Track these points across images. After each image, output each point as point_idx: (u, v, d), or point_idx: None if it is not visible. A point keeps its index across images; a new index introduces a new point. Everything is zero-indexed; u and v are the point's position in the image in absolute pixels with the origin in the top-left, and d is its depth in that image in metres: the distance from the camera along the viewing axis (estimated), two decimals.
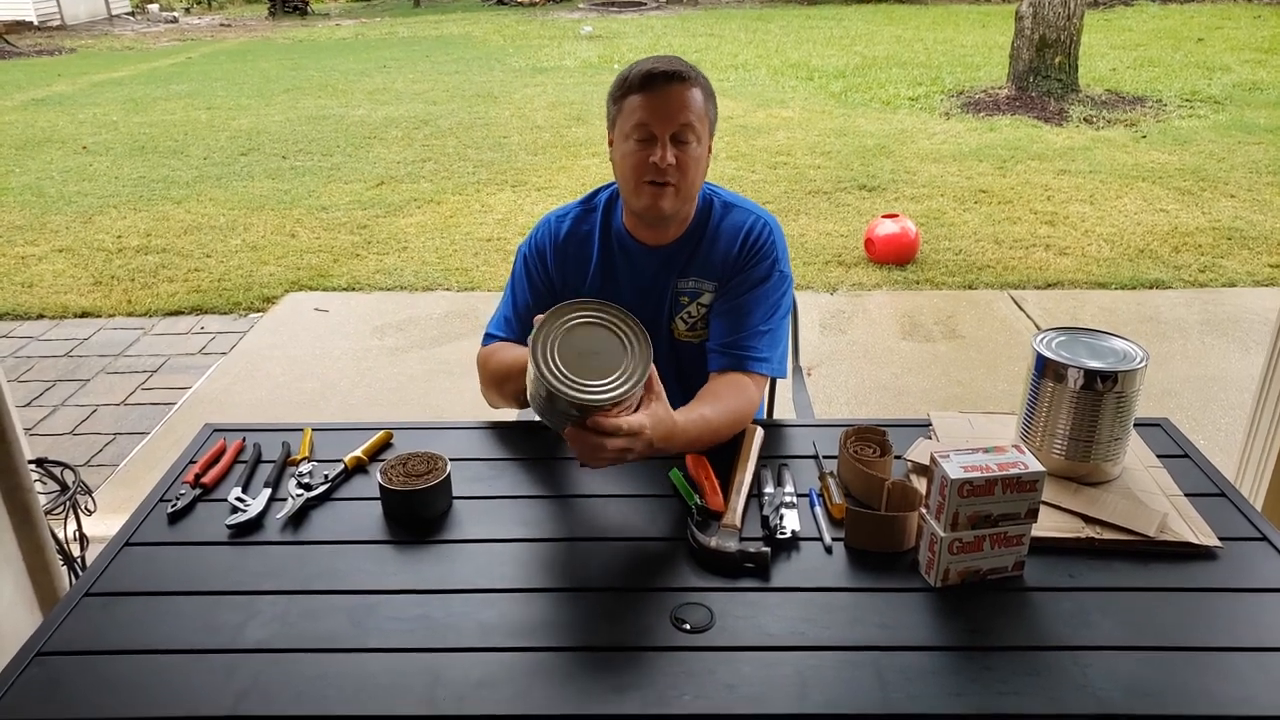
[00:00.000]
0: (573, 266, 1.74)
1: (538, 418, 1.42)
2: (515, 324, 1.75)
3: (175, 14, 21.34)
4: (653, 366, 1.33)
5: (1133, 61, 10.29)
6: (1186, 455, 1.52)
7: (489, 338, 1.77)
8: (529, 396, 1.37)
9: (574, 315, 1.32)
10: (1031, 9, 8.24)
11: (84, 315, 4.58)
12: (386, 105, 9.47)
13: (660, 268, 1.71)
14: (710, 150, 1.65)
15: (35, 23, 18.29)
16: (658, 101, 1.55)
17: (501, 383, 1.66)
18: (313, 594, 1.24)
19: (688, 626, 1.16)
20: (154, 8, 21.97)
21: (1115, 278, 4.65)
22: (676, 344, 1.74)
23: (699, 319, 1.72)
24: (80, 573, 2.21)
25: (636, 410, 1.34)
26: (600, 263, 1.73)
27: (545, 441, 1.62)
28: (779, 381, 2.26)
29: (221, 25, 19.11)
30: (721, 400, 1.56)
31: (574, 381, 1.27)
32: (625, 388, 1.28)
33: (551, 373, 1.27)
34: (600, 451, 1.30)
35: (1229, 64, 10.02)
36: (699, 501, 1.37)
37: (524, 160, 7.18)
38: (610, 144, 1.67)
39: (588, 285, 1.74)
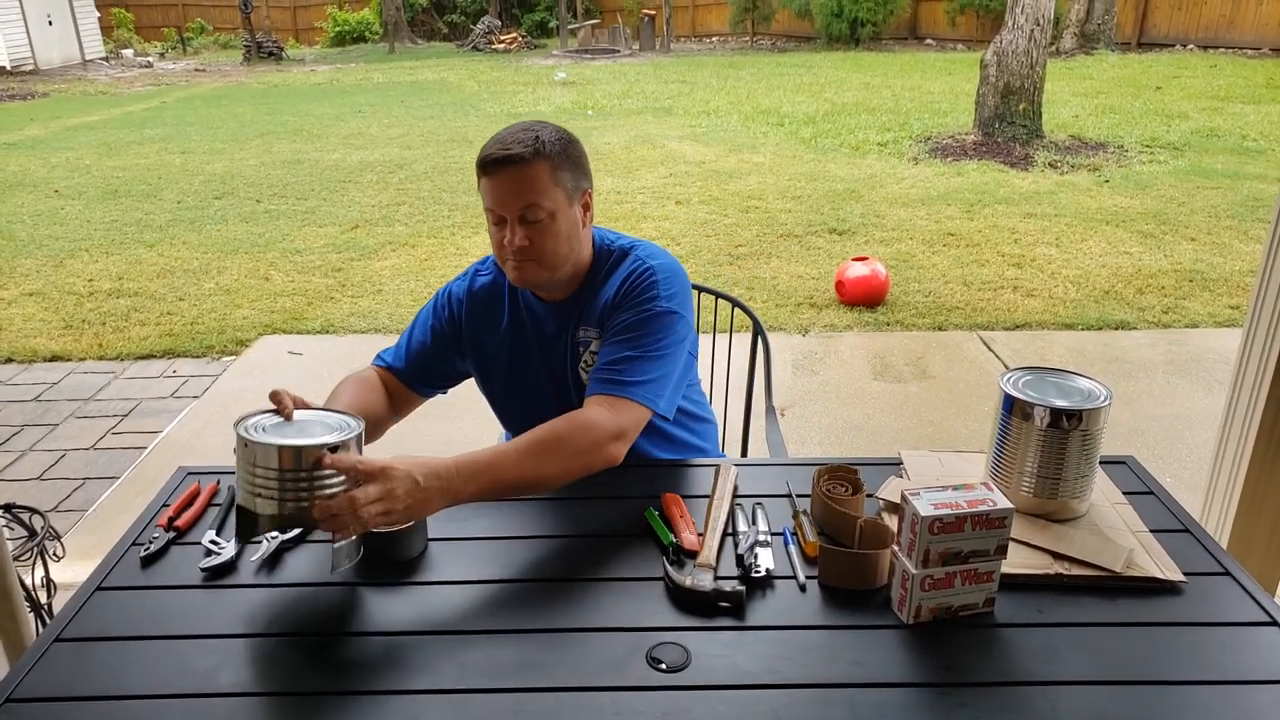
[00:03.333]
0: (482, 321, 1.76)
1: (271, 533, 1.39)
2: (404, 356, 1.78)
3: (150, 59, 21.38)
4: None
5: (1094, 109, 10.57)
6: (1151, 492, 1.55)
7: (378, 359, 1.80)
8: (244, 501, 1.25)
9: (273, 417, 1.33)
10: (996, 57, 8.46)
11: (54, 359, 4.53)
12: (361, 149, 9.51)
13: (560, 323, 1.71)
14: (586, 208, 1.63)
15: (8, 68, 18.25)
16: (497, 186, 1.55)
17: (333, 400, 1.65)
18: (287, 637, 1.24)
19: (664, 666, 1.16)
20: (128, 53, 22.02)
21: (1082, 319, 4.74)
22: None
23: (594, 366, 1.70)
24: (48, 620, 2.17)
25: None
26: (510, 320, 1.75)
27: None
28: (753, 422, 2.29)
29: (196, 70, 19.17)
30: (533, 435, 1.46)
31: (284, 439, 1.24)
32: (342, 433, 1.27)
33: (262, 438, 1.24)
34: (352, 506, 1.23)
35: (1187, 111, 10.30)
36: (674, 540, 1.38)
37: None
38: None
39: (498, 340, 1.75)
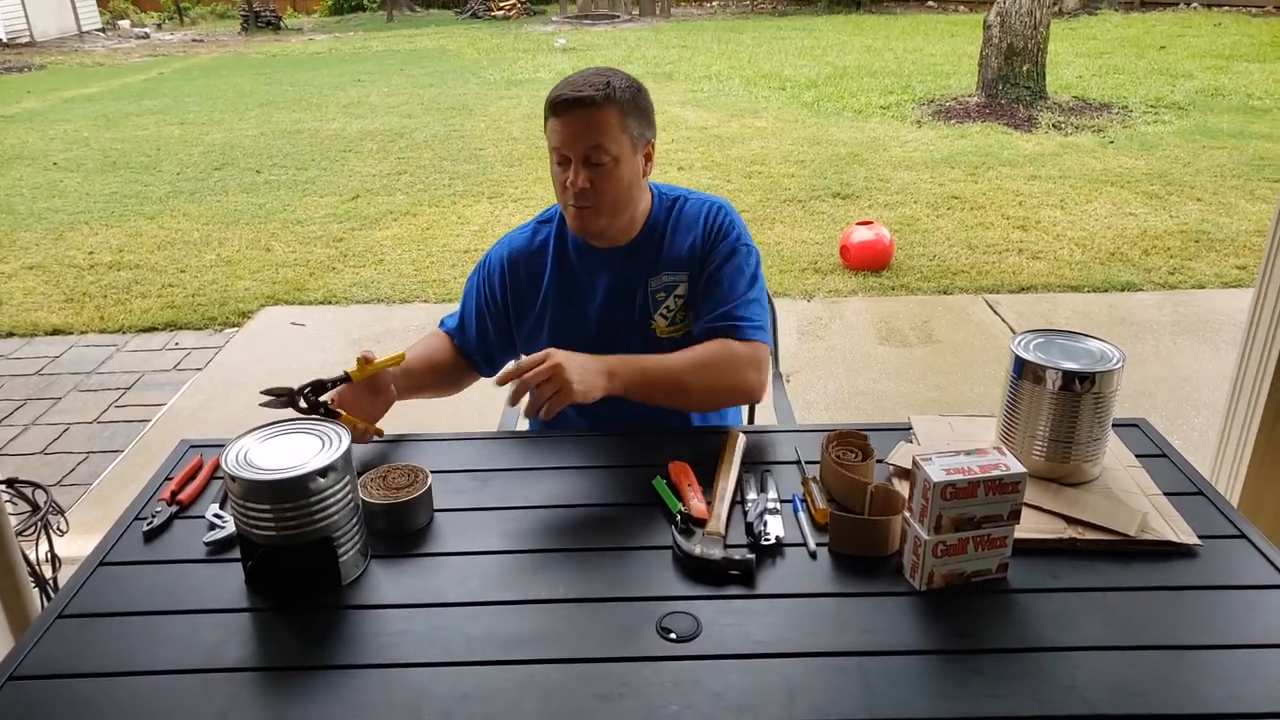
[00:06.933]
0: (525, 284, 1.77)
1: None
2: (460, 325, 1.87)
3: (147, 29, 21.14)
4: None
5: (1098, 69, 10.43)
6: (1164, 455, 1.53)
7: (442, 324, 1.90)
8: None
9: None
10: (999, 18, 8.33)
11: (55, 333, 4.51)
12: (361, 119, 9.42)
13: (625, 269, 1.72)
14: (648, 158, 1.66)
15: (4, 40, 18.06)
16: (566, 126, 1.57)
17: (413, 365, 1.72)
18: (293, 611, 1.23)
19: (674, 636, 1.15)
20: (125, 23, 21.77)
21: (1087, 281, 4.70)
22: (659, 343, 1.72)
23: (677, 311, 1.72)
24: (52, 595, 2.17)
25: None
26: (555, 276, 1.75)
27: (527, 452, 1.61)
28: None
29: (194, 41, 18.96)
30: (694, 351, 1.61)
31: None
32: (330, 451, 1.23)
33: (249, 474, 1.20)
34: (525, 388, 1.41)
35: (1191, 71, 10.17)
36: (682, 509, 1.37)
37: (500, 172, 7.17)
38: None
39: (542, 297, 1.76)
